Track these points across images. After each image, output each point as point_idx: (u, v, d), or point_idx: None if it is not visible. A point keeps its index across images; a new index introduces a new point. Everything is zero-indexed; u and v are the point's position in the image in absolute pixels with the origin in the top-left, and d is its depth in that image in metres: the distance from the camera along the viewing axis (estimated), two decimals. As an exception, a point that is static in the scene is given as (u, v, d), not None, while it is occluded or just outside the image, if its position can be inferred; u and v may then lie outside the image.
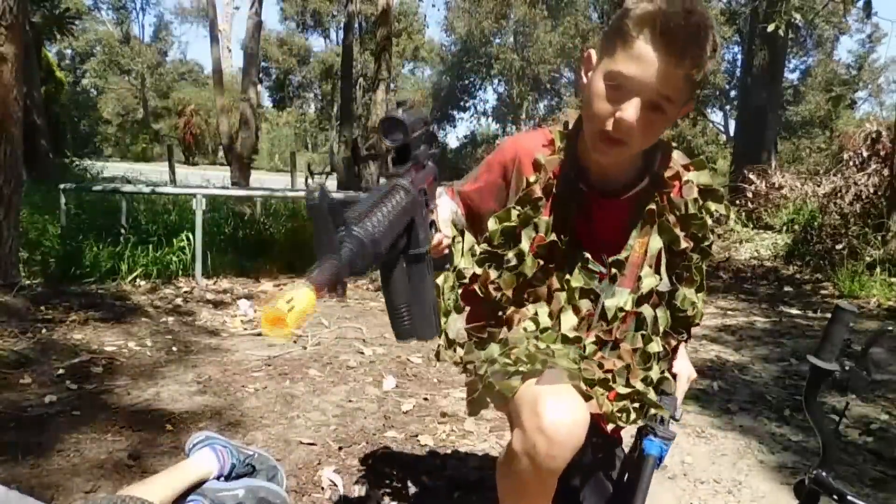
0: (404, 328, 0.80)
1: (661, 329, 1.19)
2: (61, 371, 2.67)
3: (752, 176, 9.11)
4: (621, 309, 1.17)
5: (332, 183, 10.10)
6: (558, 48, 30.81)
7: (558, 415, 0.99)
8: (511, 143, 1.28)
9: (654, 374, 1.17)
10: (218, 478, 1.55)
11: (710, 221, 1.20)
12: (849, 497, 1.15)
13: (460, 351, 1.20)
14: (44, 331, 3.23)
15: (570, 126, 1.22)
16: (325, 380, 2.79)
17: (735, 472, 2.06)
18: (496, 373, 1.09)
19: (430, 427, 2.33)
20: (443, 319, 1.15)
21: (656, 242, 1.17)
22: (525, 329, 1.15)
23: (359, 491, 1.82)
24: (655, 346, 1.17)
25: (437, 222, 0.93)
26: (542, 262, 1.17)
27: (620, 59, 1.01)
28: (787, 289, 5.66)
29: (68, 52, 38.01)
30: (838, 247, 6.03)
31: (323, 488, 1.83)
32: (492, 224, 1.18)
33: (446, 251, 0.98)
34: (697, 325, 1.26)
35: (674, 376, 1.30)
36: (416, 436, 2.24)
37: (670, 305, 1.20)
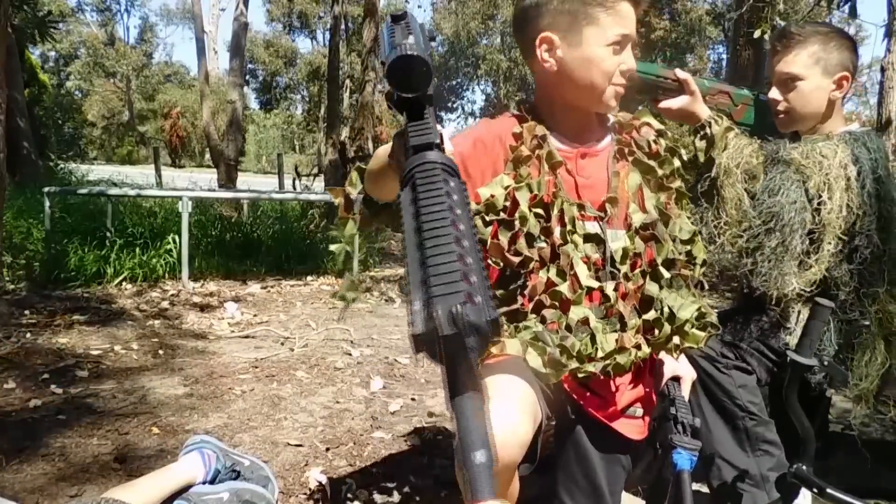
0: None
1: (662, 259, 1.20)
2: (46, 375, 2.65)
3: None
4: (626, 249, 1.19)
5: (318, 184, 10.06)
6: (545, 49, 30.83)
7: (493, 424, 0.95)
8: (484, 125, 1.28)
9: (669, 301, 1.18)
10: (203, 482, 1.55)
11: (676, 163, 1.28)
12: (828, 490, 1.17)
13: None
14: (28, 335, 3.21)
15: (526, 105, 1.29)
16: (313, 381, 2.78)
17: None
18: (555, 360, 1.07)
19: (418, 427, 2.34)
20: None
21: (635, 178, 1.24)
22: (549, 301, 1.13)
23: (346, 491, 1.82)
24: (653, 284, 1.19)
25: None
26: (542, 221, 1.17)
27: (611, 23, 1.15)
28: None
29: (52, 54, 37.55)
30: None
31: (310, 489, 1.84)
32: (485, 191, 1.15)
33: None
34: (704, 262, 1.26)
35: (677, 379, 1.30)
36: (404, 436, 2.25)
37: (671, 238, 1.23)
